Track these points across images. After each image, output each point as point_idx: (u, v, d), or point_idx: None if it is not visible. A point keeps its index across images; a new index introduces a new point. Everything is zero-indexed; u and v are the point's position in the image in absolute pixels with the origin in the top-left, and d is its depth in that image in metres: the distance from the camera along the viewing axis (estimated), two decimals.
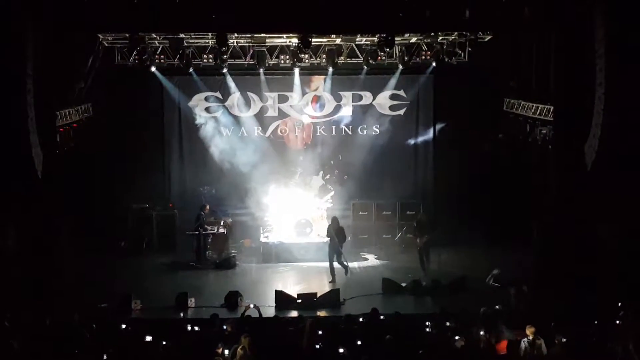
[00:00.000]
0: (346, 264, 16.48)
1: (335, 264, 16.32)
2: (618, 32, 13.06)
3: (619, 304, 11.74)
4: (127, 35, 17.27)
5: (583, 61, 14.07)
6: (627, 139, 13.18)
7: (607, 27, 13.25)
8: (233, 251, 18.73)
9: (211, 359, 9.99)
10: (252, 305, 13.42)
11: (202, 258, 17.85)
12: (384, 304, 14.17)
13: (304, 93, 20.57)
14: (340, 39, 18.78)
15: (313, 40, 17.29)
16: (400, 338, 10.58)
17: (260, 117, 20.64)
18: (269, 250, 18.21)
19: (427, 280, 15.74)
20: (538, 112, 16.88)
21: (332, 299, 14.68)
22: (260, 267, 17.79)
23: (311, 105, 20.72)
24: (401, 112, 20.75)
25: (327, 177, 19.74)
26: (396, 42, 17.76)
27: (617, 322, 11.15)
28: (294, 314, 13.63)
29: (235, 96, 20.40)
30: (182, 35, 17.80)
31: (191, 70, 19.28)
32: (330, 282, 16.12)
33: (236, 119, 20.52)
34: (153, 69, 19.07)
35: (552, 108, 15.91)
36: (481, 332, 10.76)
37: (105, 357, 9.98)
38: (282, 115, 20.73)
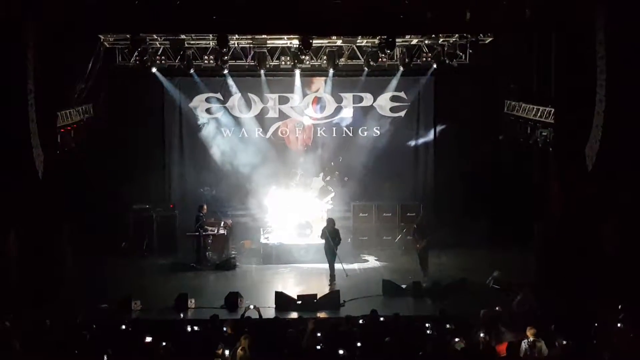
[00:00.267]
0: (341, 267, 16.40)
1: (337, 265, 16.30)
2: (619, 34, 13.07)
3: (619, 306, 11.74)
4: (128, 36, 17.29)
5: (584, 63, 14.08)
6: (628, 140, 13.18)
7: (607, 28, 13.26)
8: (233, 252, 18.73)
9: None
10: (252, 307, 13.42)
11: (202, 259, 17.85)
12: (384, 306, 14.18)
13: (304, 94, 20.58)
14: (341, 41, 18.78)
15: (314, 41, 17.30)
16: (400, 340, 10.57)
17: (260, 118, 20.66)
18: (269, 251, 18.21)
19: (427, 282, 15.74)
20: (539, 114, 16.87)
21: (332, 300, 14.67)
22: (260, 268, 17.77)
23: (312, 106, 20.73)
24: (402, 113, 20.76)
25: (328, 178, 19.74)
26: (397, 43, 17.77)
27: (619, 325, 11.14)
28: (294, 315, 13.63)
29: (236, 97, 20.41)
30: (183, 36, 17.81)
31: (192, 71, 19.28)
32: (329, 284, 16.09)
33: (237, 120, 20.54)
34: (154, 69, 19.10)
35: (552, 110, 15.92)
36: (481, 334, 10.74)
37: (105, 357, 9.98)
38: (282, 116, 20.74)
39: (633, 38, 12.91)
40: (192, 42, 18.31)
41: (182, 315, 14.08)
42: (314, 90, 20.70)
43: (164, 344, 10.23)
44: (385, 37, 16.95)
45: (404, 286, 15.51)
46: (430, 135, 20.81)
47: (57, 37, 14.93)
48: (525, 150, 18.09)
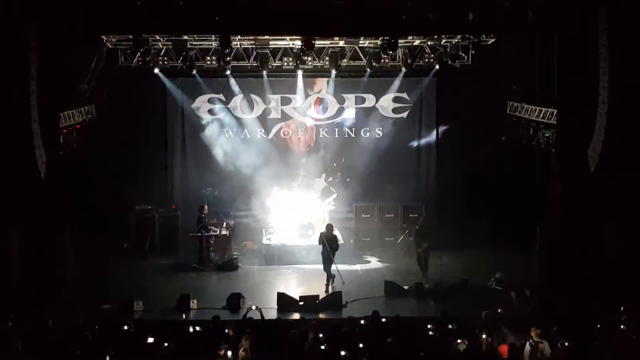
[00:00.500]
0: (338, 274, 16.19)
1: (338, 266, 16.27)
2: (621, 35, 13.06)
3: (622, 308, 11.72)
4: (130, 36, 17.29)
5: (586, 64, 14.07)
6: (630, 142, 13.17)
7: (610, 30, 13.25)
8: (235, 253, 18.73)
9: None
10: (254, 307, 13.42)
11: (204, 260, 17.86)
12: (386, 307, 14.18)
13: (307, 95, 20.59)
14: (343, 42, 18.78)
15: (316, 42, 17.29)
16: (402, 341, 10.56)
17: (263, 119, 20.67)
18: (271, 252, 18.20)
19: (429, 283, 15.72)
20: (541, 115, 16.87)
21: (334, 301, 14.67)
22: (262, 269, 17.76)
23: (314, 107, 20.74)
24: (404, 114, 20.77)
25: (330, 179, 19.73)
26: (399, 44, 17.73)
27: (621, 326, 11.12)
28: (296, 316, 13.62)
29: (239, 98, 20.43)
30: (185, 37, 17.83)
31: (194, 72, 19.31)
32: (331, 285, 16.05)
33: (239, 120, 20.56)
34: (156, 70, 19.14)
35: (555, 111, 15.91)
36: (483, 335, 10.72)
37: (107, 358, 9.98)
38: (285, 117, 20.75)
39: (635, 39, 12.91)
40: (194, 42, 18.32)
41: (184, 316, 14.07)
42: (317, 91, 20.71)
43: (166, 344, 10.23)
44: (387, 38, 16.90)
45: (406, 287, 15.49)
46: (433, 136, 20.82)
47: (59, 38, 14.94)
48: (527, 152, 18.09)
